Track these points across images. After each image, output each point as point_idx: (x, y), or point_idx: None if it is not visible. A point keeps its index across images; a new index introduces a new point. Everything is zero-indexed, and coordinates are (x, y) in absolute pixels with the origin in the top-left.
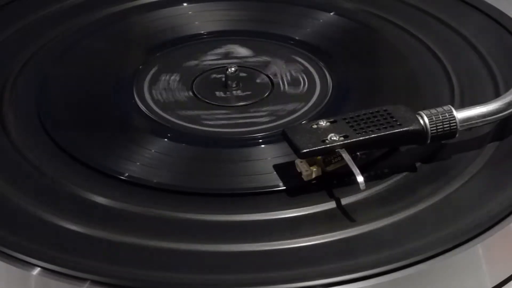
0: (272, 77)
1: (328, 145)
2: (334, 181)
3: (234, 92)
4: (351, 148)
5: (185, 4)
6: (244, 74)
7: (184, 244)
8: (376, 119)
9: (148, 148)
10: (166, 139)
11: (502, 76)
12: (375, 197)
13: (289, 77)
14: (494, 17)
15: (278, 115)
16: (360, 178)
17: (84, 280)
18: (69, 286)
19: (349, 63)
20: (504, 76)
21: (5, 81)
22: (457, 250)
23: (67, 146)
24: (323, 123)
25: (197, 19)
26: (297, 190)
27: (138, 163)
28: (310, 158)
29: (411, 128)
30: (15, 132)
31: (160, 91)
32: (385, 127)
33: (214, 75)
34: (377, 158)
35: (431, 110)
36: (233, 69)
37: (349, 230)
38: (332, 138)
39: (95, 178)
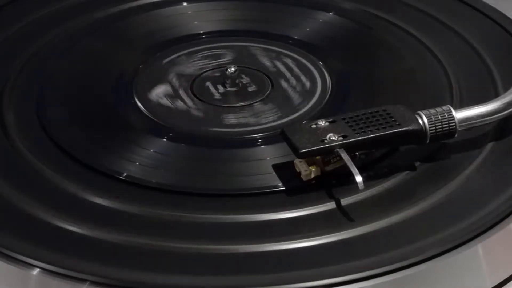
0: (271, 77)
1: (327, 145)
2: (333, 181)
3: (233, 92)
4: (350, 148)
5: (185, 4)
6: (243, 74)
7: (184, 245)
8: (375, 119)
9: (147, 148)
10: (165, 139)
11: (501, 76)
12: (375, 197)
13: (288, 77)
14: (494, 17)
15: (278, 115)
16: (359, 178)
17: (83, 280)
18: (69, 286)
19: (349, 63)
20: (504, 76)
21: (5, 81)
22: (457, 250)
23: (67, 146)
24: (322, 123)
25: (197, 19)
26: (296, 190)
27: (137, 163)
28: (309, 158)
29: (410, 128)
30: (15, 132)
31: (160, 91)
32: (384, 127)
33: (213, 75)
34: (377, 158)
35: (430, 110)
36: (232, 69)
37: (348, 230)
38: (331, 138)
39: (94, 178)
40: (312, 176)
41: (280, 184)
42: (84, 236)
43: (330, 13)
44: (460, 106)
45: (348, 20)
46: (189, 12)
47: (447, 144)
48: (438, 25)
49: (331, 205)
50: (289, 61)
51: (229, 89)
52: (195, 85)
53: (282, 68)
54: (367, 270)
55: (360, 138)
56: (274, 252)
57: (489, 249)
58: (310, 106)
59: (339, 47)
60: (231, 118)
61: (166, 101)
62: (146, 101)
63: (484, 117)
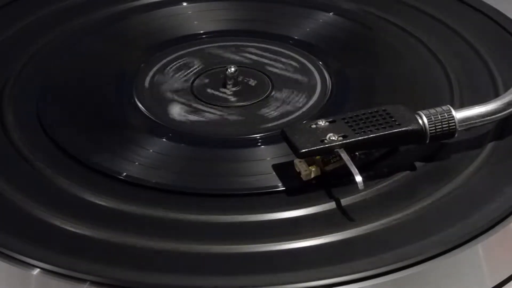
0: (271, 77)
1: (327, 145)
2: (333, 181)
3: (233, 92)
4: (350, 148)
5: (184, 4)
6: (243, 74)
7: (183, 245)
8: (375, 119)
9: (147, 148)
10: (165, 139)
11: (501, 76)
12: (375, 197)
13: (288, 77)
14: (494, 17)
15: (278, 115)
16: (358, 178)
17: (83, 280)
18: (69, 286)
19: (349, 63)
20: (503, 76)
21: (5, 81)
22: (457, 250)
23: (67, 146)
24: (322, 123)
25: (197, 19)
26: (296, 190)
27: (137, 163)
28: (309, 158)
29: (410, 128)
30: (15, 132)
31: (160, 91)
32: (384, 127)
33: (213, 75)
34: (377, 158)
35: (430, 110)
36: (232, 69)
37: (348, 230)
38: (331, 138)
39: (94, 178)
40: (312, 176)
41: (280, 184)
42: (84, 236)
43: (330, 13)
44: (460, 106)
45: (348, 20)
46: (189, 12)
47: (447, 144)
48: (438, 25)
49: (331, 205)
50: (289, 61)
51: (229, 89)
52: (195, 85)
53: (282, 68)
54: (367, 270)
55: (360, 138)
56: (274, 252)
57: (489, 249)
58: (310, 106)
59: (339, 47)
60: (231, 118)
61: (166, 101)
62: (146, 101)
63: (484, 117)
